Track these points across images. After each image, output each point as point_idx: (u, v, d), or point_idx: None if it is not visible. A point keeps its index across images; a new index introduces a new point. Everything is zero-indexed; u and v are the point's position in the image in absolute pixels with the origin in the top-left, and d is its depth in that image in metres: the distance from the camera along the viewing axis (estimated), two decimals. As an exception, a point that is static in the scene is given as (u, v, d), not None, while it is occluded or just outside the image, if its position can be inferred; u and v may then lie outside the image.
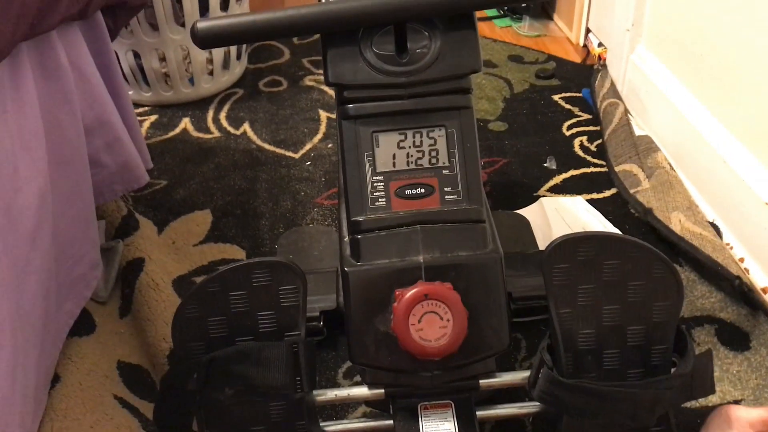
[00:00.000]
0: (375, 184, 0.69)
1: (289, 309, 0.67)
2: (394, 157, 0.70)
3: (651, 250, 0.67)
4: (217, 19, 0.67)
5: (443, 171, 0.69)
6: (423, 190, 0.69)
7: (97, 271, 0.89)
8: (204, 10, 1.37)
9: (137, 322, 0.94)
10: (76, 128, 0.84)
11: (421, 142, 0.70)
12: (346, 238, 0.70)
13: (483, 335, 0.66)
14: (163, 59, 1.39)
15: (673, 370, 0.69)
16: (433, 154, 0.70)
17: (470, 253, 0.67)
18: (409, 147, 0.70)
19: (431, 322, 0.62)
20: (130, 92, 1.44)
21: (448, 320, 0.62)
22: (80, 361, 0.85)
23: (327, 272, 0.96)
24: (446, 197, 0.69)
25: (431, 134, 0.70)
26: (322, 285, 0.94)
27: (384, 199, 0.69)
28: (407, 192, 0.69)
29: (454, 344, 0.62)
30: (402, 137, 0.70)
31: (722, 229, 1.05)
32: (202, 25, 0.66)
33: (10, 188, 0.69)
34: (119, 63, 1.37)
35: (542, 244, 1.06)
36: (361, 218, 0.68)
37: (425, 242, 0.67)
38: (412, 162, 0.70)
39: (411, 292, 0.63)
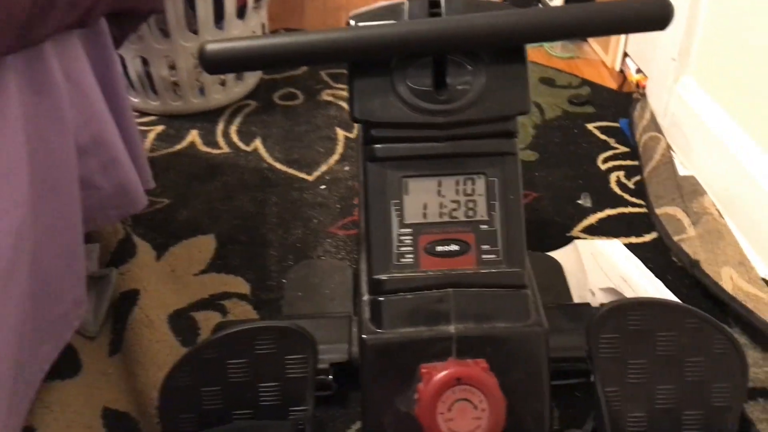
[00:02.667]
0: (402, 238, 0.60)
1: (295, 381, 0.58)
2: (425, 207, 0.61)
3: (711, 322, 0.59)
4: (230, 42, 0.58)
5: (481, 226, 0.60)
6: (457, 247, 0.60)
7: (81, 309, 0.79)
8: (219, 17, 1.28)
9: (127, 364, 0.85)
10: (66, 149, 0.75)
11: (457, 191, 0.61)
12: (365, 297, 0.61)
13: (521, 423, 0.57)
14: (172, 67, 1.31)
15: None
16: (471, 205, 0.61)
17: (509, 324, 0.58)
18: (443, 196, 0.60)
19: (463, 412, 0.53)
20: (136, 100, 1.36)
21: (483, 410, 0.53)
22: (60, 411, 0.76)
23: (338, 318, 0.87)
24: (483, 257, 0.60)
25: (469, 182, 0.61)
26: (332, 332, 0.84)
27: (412, 256, 0.60)
28: (438, 248, 0.60)
29: (490, 439, 0.53)
30: (436, 185, 0.61)
31: (777, 287, 0.95)
32: (212, 47, 0.57)
33: (-18, 223, 0.60)
34: (125, 69, 1.29)
35: (576, 293, 0.96)
36: (384, 277, 0.59)
37: (457, 309, 0.58)
38: (445, 214, 0.60)
39: (440, 375, 0.53)
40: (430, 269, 0.60)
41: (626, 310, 0.60)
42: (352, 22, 0.61)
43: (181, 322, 0.91)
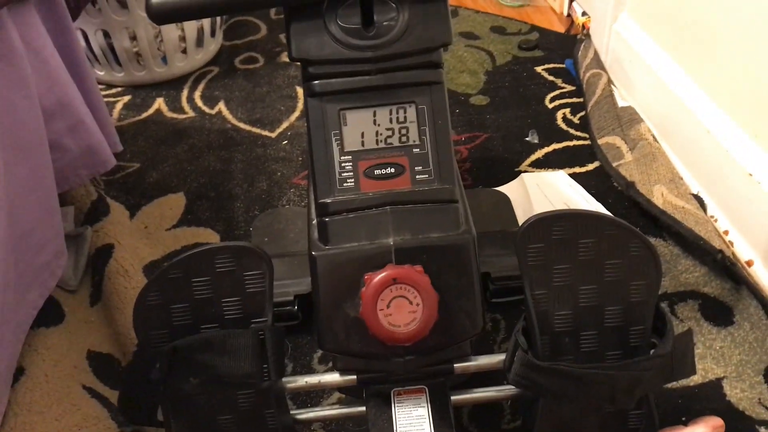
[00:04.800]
0: (343, 164, 0.66)
1: (254, 295, 0.64)
2: (362, 135, 0.67)
3: (627, 228, 0.65)
4: (172, -8, 0.63)
5: (414, 149, 0.67)
6: (393, 170, 0.66)
7: (62, 259, 0.86)
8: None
9: (107, 311, 0.91)
10: (33, 112, 0.80)
11: (391, 119, 0.67)
12: (314, 221, 0.68)
13: (456, 319, 0.64)
14: (134, 38, 1.35)
15: (652, 351, 0.67)
16: (403, 132, 0.67)
17: (442, 234, 0.65)
18: (379, 125, 0.67)
19: (400, 307, 0.60)
20: (101, 73, 1.40)
21: (417, 305, 0.60)
22: (47, 353, 0.82)
23: (302, 255, 0.93)
24: (417, 177, 0.66)
25: (401, 111, 0.67)
26: (296, 268, 0.92)
27: (352, 180, 0.66)
28: (377, 172, 0.66)
29: (424, 329, 0.60)
30: (371, 115, 0.67)
31: (707, 201, 1.03)
32: (156, -1, 0.62)
33: (-40, 176, 0.66)
34: (89, 43, 1.34)
35: (522, 222, 1.03)
36: (328, 200, 0.66)
37: (395, 224, 0.65)
38: (381, 140, 0.67)
39: (379, 277, 0.60)
40: (370, 191, 0.66)
41: (550, 221, 0.66)
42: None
43: (156, 272, 0.98)
